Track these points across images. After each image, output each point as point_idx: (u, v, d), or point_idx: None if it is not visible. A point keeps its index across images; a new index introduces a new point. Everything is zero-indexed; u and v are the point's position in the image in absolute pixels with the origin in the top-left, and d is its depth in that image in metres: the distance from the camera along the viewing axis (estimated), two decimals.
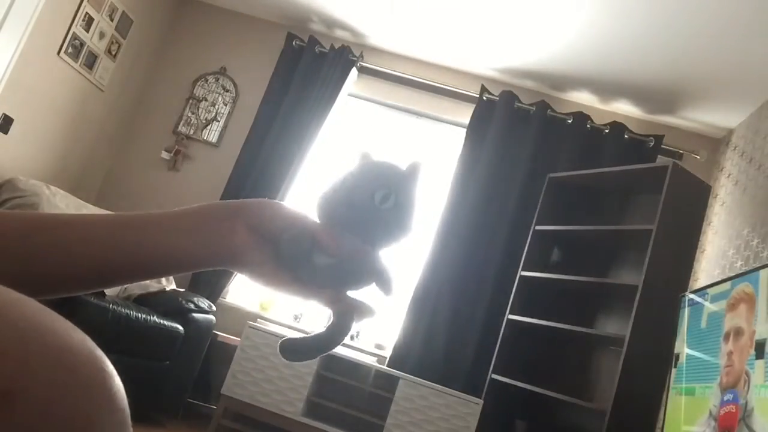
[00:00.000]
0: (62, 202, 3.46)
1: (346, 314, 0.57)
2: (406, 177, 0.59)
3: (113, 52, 3.98)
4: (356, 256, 0.57)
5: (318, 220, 0.59)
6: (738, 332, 1.96)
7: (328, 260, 0.57)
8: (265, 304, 3.93)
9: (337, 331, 0.57)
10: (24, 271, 0.53)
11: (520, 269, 3.54)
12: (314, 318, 3.90)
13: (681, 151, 3.84)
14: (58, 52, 3.58)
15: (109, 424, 0.31)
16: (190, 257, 0.57)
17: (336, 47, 4.08)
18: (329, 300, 0.57)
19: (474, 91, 4.02)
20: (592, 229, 3.37)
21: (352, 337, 3.84)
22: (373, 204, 0.57)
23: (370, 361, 3.43)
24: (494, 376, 3.39)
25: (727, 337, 2.03)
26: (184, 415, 3.52)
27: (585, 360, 3.51)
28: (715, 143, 3.90)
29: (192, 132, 4.23)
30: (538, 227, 3.57)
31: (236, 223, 0.57)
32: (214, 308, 3.60)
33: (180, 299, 3.38)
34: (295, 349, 0.58)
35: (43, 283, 0.54)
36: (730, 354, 1.98)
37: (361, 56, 4.08)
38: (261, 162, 3.98)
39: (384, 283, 0.58)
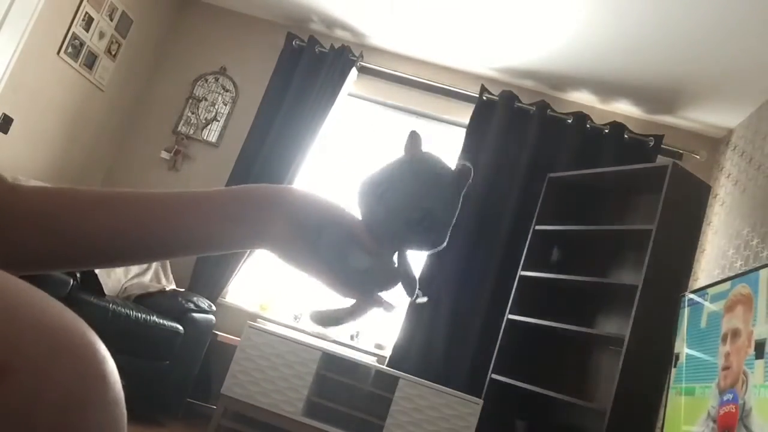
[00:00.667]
0: None
1: (368, 305, 0.63)
2: (446, 193, 0.61)
3: (113, 52, 3.98)
4: (389, 264, 0.61)
5: (357, 208, 0.62)
6: (735, 334, 1.96)
7: (365, 264, 0.60)
8: (264, 305, 3.94)
9: (357, 313, 0.63)
10: (67, 249, 0.55)
11: (520, 269, 3.54)
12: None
13: (681, 151, 3.84)
14: (58, 52, 3.58)
15: (101, 402, 0.32)
16: (230, 241, 0.60)
17: (336, 47, 4.08)
18: (356, 297, 0.62)
19: (474, 91, 4.02)
20: (592, 229, 3.37)
21: (352, 337, 3.84)
22: (408, 227, 0.60)
23: (370, 360, 3.43)
24: (494, 376, 3.39)
25: (724, 338, 2.03)
26: (184, 415, 3.52)
27: (585, 360, 3.51)
28: (715, 143, 3.90)
29: (192, 132, 4.23)
30: (538, 227, 3.57)
31: (275, 213, 0.60)
32: (213, 308, 3.60)
33: (180, 299, 3.39)
34: (321, 317, 0.63)
35: (80, 259, 0.57)
36: (727, 356, 1.98)
37: (361, 56, 4.08)
38: (261, 162, 3.98)
39: (409, 288, 0.63)
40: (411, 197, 0.60)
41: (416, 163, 0.62)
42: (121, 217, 0.56)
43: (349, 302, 0.63)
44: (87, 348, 0.32)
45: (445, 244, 0.62)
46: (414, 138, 0.63)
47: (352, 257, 0.60)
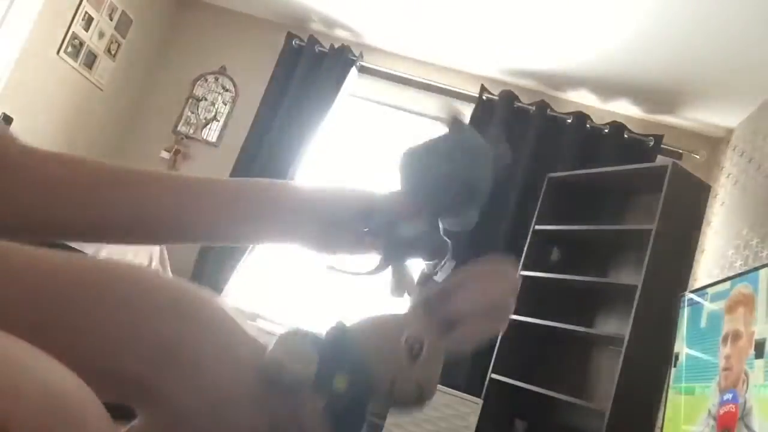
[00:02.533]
0: None
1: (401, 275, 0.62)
2: (489, 171, 0.62)
3: (113, 52, 3.98)
4: (435, 230, 0.62)
5: (399, 177, 0.63)
6: (736, 335, 1.96)
7: (414, 232, 0.61)
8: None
9: (374, 273, 0.63)
10: (83, 219, 0.55)
11: (519, 269, 3.54)
12: (313, 318, 3.90)
13: (681, 151, 3.84)
14: (58, 52, 3.58)
15: None
16: (269, 238, 0.62)
17: (336, 47, 4.08)
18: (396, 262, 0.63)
19: (474, 91, 4.02)
20: (592, 228, 3.37)
21: None
22: (454, 200, 0.62)
23: None
24: (494, 376, 3.38)
25: (725, 339, 2.03)
26: None
27: (585, 360, 3.51)
28: (715, 143, 3.90)
29: (192, 132, 4.23)
30: (537, 227, 3.57)
31: (306, 217, 0.60)
32: None
33: None
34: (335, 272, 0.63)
35: (95, 232, 0.57)
36: (728, 357, 1.98)
37: (361, 56, 4.08)
38: (261, 161, 3.98)
39: (440, 255, 0.63)
40: (463, 171, 0.61)
41: (466, 138, 0.63)
42: (140, 199, 0.56)
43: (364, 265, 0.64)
44: (86, 414, 0.32)
45: (474, 224, 0.64)
46: (457, 114, 0.64)
47: (403, 229, 0.61)
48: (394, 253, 0.62)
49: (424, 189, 0.61)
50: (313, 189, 0.62)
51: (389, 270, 0.63)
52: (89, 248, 3.17)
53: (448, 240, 0.63)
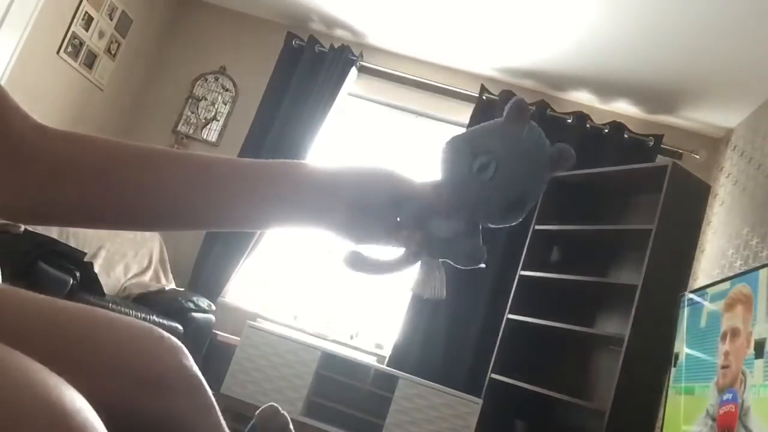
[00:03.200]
0: None
1: (414, 259, 0.60)
2: (545, 176, 0.57)
3: (113, 52, 3.98)
4: (473, 233, 0.59)
5: (440, 166, 0.59)
6: (735, 333, 1.96)
7: (448, 233, 0.58)
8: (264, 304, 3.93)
9: (401, 266, 0.60)
10: (116, 199, 0.54)
11: (519, 269, 3.54)
12: (313, 318, 3.90)
13: (680, 151, 3.84)
14: (58, 52, 3.58)
15: None
16: (292, 222, 0.59)
17: (336, 47, 4.08)
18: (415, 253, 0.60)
19: (474, 91, 4.02)
20: (592, 228, 3.37)
21: (351, 337, 3.84)
22: (502, 207, 0.57)
23: (370, 360, 3.43)
24: (494, 376, 3.38)
25: (723, 337, 2.03)
26: None
27: (585, 360, 3.50)
28: (715, 143, 3.90)
29: (191, 131, 4.23)
30: (537, 227, 3.57)
31: (336, 201, 0.58)
32: (213, 308, 3.60)
33: (179, 299, 3.39)
34: (358, 260, 0.59)
35: (105, 217, 0.56)
36: (726, 354, 1.98)
37: (361, 56, 4.08)
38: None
39: (476, 260, 0.60)
40: (515, 178, 0.56)
41: (526, 141, 0.56)
42: (155, 181, 0.54)
43: (392, 254, 0.60)
44: (83, 429, 0.32)
45: (518, 202, 0.58)
46: (522, 109, 0.57)
47: (435, 227, 0.58)
48: (427, 250, 0.59)
49: (469, 195, 0.56)
50: (341, 170, 0.59)
51: (416, 265, 0.60)
52: (90, 246, 3.17)
53: (484, 247, 0.59)
